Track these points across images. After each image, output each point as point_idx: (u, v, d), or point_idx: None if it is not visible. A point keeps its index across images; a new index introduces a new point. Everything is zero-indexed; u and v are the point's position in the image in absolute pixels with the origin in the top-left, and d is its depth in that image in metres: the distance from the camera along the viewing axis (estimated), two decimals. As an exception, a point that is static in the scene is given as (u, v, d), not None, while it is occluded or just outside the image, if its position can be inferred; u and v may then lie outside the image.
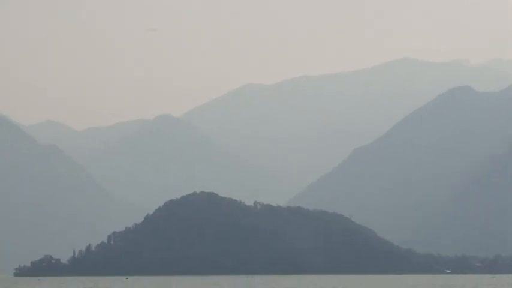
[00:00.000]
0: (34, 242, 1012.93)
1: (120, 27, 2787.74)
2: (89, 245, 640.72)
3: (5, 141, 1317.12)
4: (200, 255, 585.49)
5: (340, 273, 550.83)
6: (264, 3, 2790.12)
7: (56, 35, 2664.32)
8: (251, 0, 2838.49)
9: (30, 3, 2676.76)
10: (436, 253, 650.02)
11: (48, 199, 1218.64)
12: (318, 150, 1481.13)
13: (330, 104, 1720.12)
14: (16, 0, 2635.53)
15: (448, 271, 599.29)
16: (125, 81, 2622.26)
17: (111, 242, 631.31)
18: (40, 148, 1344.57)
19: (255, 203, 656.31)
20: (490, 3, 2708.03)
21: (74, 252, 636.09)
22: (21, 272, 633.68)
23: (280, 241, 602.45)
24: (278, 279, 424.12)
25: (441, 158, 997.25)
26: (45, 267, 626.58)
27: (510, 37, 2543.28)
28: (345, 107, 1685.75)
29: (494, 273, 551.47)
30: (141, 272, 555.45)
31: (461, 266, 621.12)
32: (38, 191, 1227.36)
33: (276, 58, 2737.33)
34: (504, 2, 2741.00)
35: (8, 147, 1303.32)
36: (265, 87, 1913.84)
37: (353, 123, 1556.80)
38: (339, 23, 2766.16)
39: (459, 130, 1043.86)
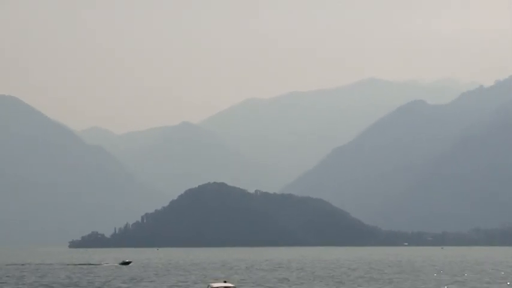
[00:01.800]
0: (84, 221, 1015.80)
1: (155, 47, 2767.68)
2: (127, 223, 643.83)
3: (62, 143, 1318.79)
4: (213, 231, 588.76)
5: (321, 246, 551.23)
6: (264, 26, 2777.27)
7: (96, 55, 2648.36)
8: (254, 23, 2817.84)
9: (86, 17, 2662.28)
10: (396, 229, 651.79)
11: (95, 188, 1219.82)
12: (305, 150, 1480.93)
13: (315, 114, 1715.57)
14: (72, 16, 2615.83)
15: (406, 244, 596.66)
16: (154, 93, 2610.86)
17: (144, 221, 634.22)
18: (89, 148, 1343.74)
19: (256, 191, 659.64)
20: (442, 34, 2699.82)
21: (115, 229, 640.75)
22: (74, 244, 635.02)
23: (275, 220, 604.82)
24: (274, 251, 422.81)
25: (400, 156, 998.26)
26: (93, 240, 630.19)
27: (456, 60, 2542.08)
28: (327, 116, 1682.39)
29: (443, 245, 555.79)
30: (168, 245, 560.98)
31: (416, 239, 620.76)
32: (87, 183, 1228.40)
33: (273, 77, 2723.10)
34: (454, 31, 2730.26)
35: (64, 148, 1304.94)
36: (265, 100, 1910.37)
37: (333, 129, 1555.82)
38: (324, 49, 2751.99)
39: (414, 134, 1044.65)
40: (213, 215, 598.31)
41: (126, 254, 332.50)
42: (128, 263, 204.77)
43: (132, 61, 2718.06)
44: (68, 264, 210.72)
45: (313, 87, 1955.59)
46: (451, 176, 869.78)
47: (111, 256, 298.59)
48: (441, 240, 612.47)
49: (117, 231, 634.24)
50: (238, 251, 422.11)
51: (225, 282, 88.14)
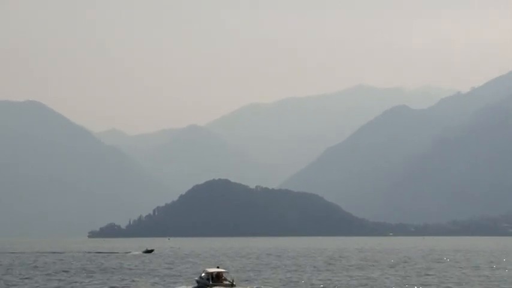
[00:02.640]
0: (101, 213, 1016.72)
1: (164, 56, 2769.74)
2: (140, 215, 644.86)
3: (83, 145, 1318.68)
4: (218, 223, 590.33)
5: (314, 236, 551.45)
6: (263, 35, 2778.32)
7: (111, 64, 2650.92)
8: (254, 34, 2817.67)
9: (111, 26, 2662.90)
10: (382, 221, 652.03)
11: (112, 184, 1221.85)
12: (301, 150, 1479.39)
13: (310, 117, 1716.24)
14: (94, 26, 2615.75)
15: (391, 234, 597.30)
16: (165, 98, 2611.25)
17: (156, 214, 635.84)
18: (106, 149, 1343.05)
19: (256, 186, 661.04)
20: (424, 45, 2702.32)
21: (129, 221, 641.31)
22: (93, 235, 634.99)
23: (273, 213, 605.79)
24: (273, 240, 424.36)
25: (386, 155, 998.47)
26: (110, 231, 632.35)
27: (436, 69, 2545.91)
28: (320, 119, 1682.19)
29: (424, 235, 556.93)
30: (178, 235, 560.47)
31: (400, 230, 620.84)
32: (105, 180, 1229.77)
33: (272, 84, 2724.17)
34: (434, 42, 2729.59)
35: (84, 149, 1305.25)
36: (265, 105, 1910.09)
37: (326, 131, 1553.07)
38: (318, 59, 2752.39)
39: (399, 136, 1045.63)
40: (217, 208, 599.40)
41: (141, 243, 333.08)
42: (151, 251, 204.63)
43: (145, 69, 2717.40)
44: (100, 252, 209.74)
45: (308, 93, 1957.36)
46: (431, 173, 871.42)
47: (132, 245, 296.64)
48: (422, 230, 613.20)
49: (131, 223, 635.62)
50: (240, 240, 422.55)
51: (218, 267, 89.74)
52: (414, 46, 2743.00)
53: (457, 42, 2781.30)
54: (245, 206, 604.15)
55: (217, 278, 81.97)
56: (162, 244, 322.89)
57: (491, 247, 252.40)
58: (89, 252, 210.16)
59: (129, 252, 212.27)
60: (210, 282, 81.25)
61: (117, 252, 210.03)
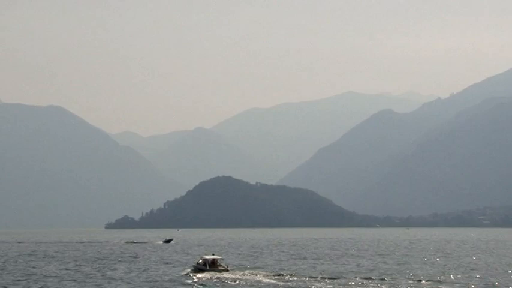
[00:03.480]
0: (117, 207, 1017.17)
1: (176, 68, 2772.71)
2: (152, 209, 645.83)
3: (100, 145, 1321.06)
4: (222, 215, 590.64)
5: (308, 227, 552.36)
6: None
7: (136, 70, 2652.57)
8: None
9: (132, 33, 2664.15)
10: (370, 214, 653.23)
11: (126, 181, 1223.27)
12: (296, 150, 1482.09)
13: (304, 121, 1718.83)
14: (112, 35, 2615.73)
15: (378, 225, 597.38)
16: (174, 103, 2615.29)
17: (166, 207, 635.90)
18: (121, 149, 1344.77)
19: (256, 182, 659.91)
20: (406, 54, 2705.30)
21: (142, 214, 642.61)
22: (109, 226, 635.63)
23: (271, 207, 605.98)
24: (271, 231, 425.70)
25: (373, 155, 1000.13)
26: (125, 222, 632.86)
27: (418, 76, 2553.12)
28: (314, 122, 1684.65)
29: (408, 227, 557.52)
30: (186, 226, 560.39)
31: (387, 222, 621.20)
32: (120, 177, 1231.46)
33: (270, 90, 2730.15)
34: (416, 52, 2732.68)
35: (102, 149, 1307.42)
36: (264, 109, 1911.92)
37: (319, 133, 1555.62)
38: (311, 68, 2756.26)
39: (385, 137, 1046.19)
40: (221, 203, 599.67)
41: (156, 233, 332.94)
42: (170, 241, 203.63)
43: (157, 77, 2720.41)
44: (127, 242, 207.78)
45: (302, 99, 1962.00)
46: (414, 171, 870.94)
47: (150, 236, 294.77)
48: (406, 222, 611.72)
49: (144, 215, 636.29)
50: (241, 231, 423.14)
51: (213, 254, 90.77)
52: (399, 56, 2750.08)
53: (437, 52, 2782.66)
54: (246, 200, 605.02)
55: (213, 264, 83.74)
56: (177, 234, 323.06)
57: (471, 237, 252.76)
58: (126, 242, 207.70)
59: (151, 242, 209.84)
60: (207, 268, 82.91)
61: (146, 242, 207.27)
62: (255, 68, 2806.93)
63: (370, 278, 74.08)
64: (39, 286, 71.47)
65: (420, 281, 72.71)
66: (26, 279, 78.56)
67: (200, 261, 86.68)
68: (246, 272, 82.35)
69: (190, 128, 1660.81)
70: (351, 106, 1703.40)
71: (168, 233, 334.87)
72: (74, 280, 77.25)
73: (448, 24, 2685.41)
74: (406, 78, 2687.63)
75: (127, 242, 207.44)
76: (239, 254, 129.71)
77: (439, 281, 71.67)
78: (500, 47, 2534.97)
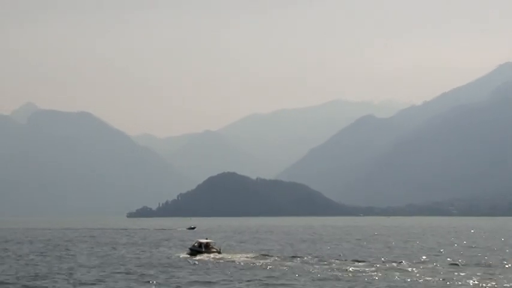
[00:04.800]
0: (136, 199, 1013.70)
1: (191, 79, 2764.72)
2: (167, 200, 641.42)
3: (121, 146, 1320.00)
4: (227, 206, 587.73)
5: (301, 216, 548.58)
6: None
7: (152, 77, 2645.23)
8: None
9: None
10: (355, 205, 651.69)
11: (145, 177, 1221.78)
12: (291, 150, 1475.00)
13: (298, 125, 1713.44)
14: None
15: (361, 214, 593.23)
16: (186, 109, 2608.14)
17: (179, 199, 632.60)
18: (140, 149, 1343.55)
19: (257, 178, 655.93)
20: (385, 66, 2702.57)
21: (159, 204, 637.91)
22: (131, 215, 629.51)
23: (270, 199, 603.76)
24: (270, 220, 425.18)
25: (357, 154, 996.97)
26: (144, 212, 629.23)
27: (396, 85, 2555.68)
28: (306, 126, 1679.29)
29: (388, 215, 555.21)
30: (197, 215, 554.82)
31: (369, 212, 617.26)
32: (139, 173, 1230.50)
33: (269, 98, 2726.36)
34: (394, 64, 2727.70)
35: (123, 149, 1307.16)
36: (263, 114, 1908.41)
37: (310, 135, 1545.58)
38: (304, 79, 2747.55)
39: (367, 139, 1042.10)
40: (227, 195, 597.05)
41: (175, 222, 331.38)
42: (193, 228, 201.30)
43: (173, 88, 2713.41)
44: (156, 229, 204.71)
45: (296, 106, 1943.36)
46: (393, 168, 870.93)
47: (170, 224, 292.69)
48: (386, 212, 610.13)
49: (160, 206, 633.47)
50: (244, 219, 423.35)
51: (206, 239, 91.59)
52: (379, 69, 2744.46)
53: (412, 65, 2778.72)
54: (248, 193, 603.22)
55: (206, 246, 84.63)
56: (187, 223, 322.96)
57: (440, 225, 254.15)
58: (159, 229, 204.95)
59: (176, 229, 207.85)
60: (203, 249, 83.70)
61: (174, 229, 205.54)
62: (255, 79, 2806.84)
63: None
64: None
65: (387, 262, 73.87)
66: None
67: (196, 244, 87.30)
68: (238, 255, 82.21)
69: (200, 131, 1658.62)
70: (338, 112, 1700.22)
71: (181, 221, 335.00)
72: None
73: (422, 40, 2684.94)
74: (385, 88, 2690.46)
75: (156, 229, 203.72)
76: (254, 237, 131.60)
77: (400, 262, 72.55)
78: (467, 60, 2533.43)
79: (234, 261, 73.97)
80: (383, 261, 72.89)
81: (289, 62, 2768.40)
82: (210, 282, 56.42)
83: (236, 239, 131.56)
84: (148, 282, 56.90)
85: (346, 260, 74.31)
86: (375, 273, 61.32)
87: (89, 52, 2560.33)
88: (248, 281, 56.91)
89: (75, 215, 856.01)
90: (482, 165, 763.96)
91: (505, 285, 52.90)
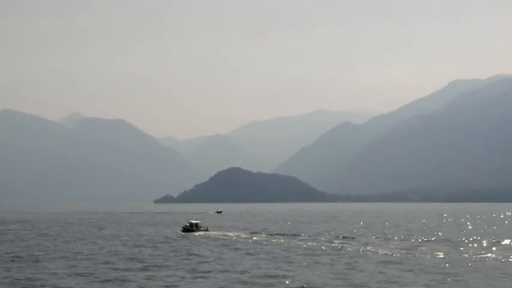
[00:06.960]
0: (161, 188, 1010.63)
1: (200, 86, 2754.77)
2: (185, 190, 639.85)
3: (148, 147, 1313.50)
4: (234, 194, 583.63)
5: (293, 202, 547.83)
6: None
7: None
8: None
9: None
10: (335, 193, 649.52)
11: (169, 172, 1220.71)
12: (286, 149, 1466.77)
13: (290, 130, 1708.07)
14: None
15: (340, 201, 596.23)
16: (202, 115, 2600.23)
17: (195, 189, 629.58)
18: (164, 149, 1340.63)
19: (257, 172, 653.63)
20: (357, 80, 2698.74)
21: (179, 193, 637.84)
22: (157, 201, 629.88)
23: (268, 188, 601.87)
24: (266, 205, 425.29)
25: (337, 153, 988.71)
26: (168, 199, 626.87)
27: (368, 97, 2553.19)
28: (296, 130, 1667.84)
29: (364, 202, 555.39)
30: (209, 201, 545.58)
31: (346, 199, 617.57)
32: (164, 170, 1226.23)
33: (268, 107, 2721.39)
34: (367, 78, 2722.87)
35: (150, 149, 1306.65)
36: (263, 121, 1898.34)
37: (300, 137, 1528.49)
38: (296, 92, 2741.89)
39: (345, 141, 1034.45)
40: (233, 186, 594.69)
41: (198, 207, 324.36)
42: (220, 212, 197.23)
43: (192, 97, 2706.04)
44: (188, 213, 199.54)
45: (290, 114, 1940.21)
46: (366, 163, 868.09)
47: (200, 208, 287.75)
48: (360, 198, 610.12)
49: (180, 194, 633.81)
50: (246, 205, 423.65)
51: (196, 220, 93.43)
52: (356, 83, 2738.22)
53: (381, 80, 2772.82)
54: (250, 184, 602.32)
55: (196, 226, 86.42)
56: (202, 207, 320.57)
57: (403, 209, 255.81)
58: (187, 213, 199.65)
59: (206, 212, 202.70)
60: (194, 228, 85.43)
61: (204, 212, 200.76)
62: (258, 92, 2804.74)
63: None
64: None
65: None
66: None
67: (187, 224, 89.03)
68: (228, 233, 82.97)
69: (212, 134, 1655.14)
70: (322, 119, 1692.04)
71: (199, 207, 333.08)
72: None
73: (388, 58, 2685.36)
74: (360, 100, 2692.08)
75: (194, 213, 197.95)
76: (251, 220, 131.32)
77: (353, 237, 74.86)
78: (425, 77, 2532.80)
79: (218, 238, 74.23)
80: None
81: (285, 78, 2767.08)
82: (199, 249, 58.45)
83: (242, 219, 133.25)
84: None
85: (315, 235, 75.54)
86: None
87: (123, 71, 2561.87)
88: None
89: (115, 201, 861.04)
90: (438, 161, 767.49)
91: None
